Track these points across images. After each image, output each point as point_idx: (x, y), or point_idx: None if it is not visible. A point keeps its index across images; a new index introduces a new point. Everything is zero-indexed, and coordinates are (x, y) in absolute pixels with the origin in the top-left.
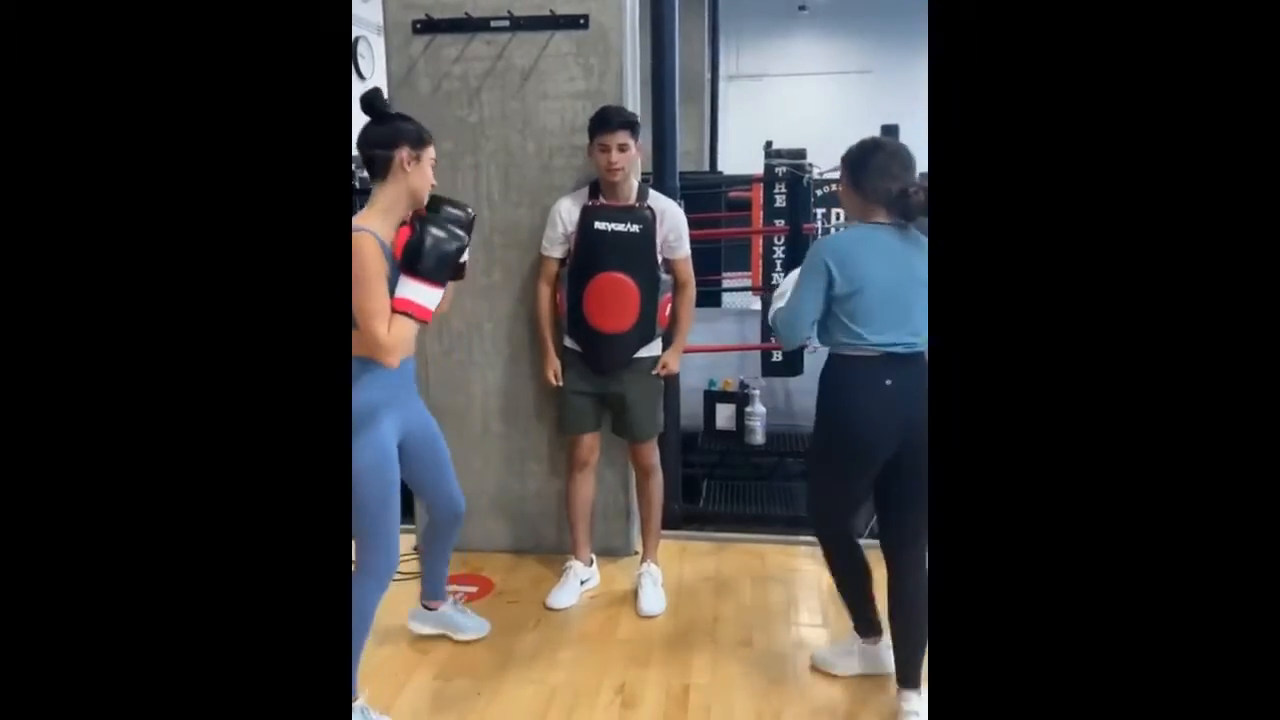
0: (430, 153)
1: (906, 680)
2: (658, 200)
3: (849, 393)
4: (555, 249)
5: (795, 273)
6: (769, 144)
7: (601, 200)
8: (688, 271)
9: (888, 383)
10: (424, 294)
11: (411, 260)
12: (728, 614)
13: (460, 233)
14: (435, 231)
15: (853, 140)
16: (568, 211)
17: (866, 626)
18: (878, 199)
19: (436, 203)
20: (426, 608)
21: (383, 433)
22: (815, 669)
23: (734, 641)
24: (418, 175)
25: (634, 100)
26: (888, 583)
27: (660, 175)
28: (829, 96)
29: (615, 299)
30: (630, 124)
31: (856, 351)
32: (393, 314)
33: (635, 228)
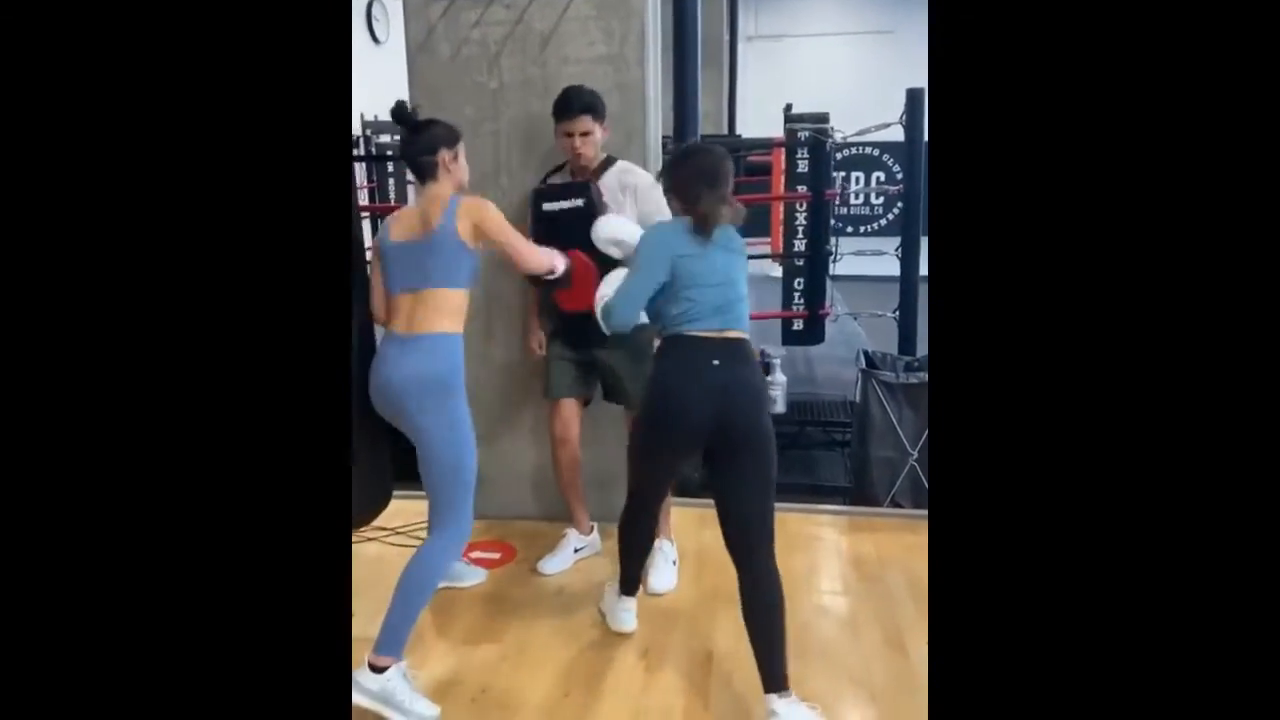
0: (462, 145)
1: (773, 684)
2: (627, 173)
3: (672, 368)
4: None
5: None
6: (789, 107)
7: (550, 180)
8: None
9: (714, 363)
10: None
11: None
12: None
13: None
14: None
15: (873, 102)
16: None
17: (631, 588)
18: (689, 206)
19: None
20: None
21: (465, 401)
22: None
23: None
24: (459, 170)
25: (655, 63)
26: (740, 589)
27: (682, 139)
28: (849, 58)
29: (575, 278)
30: (591, 107)
31: (684, 331)
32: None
33: (578, 202)
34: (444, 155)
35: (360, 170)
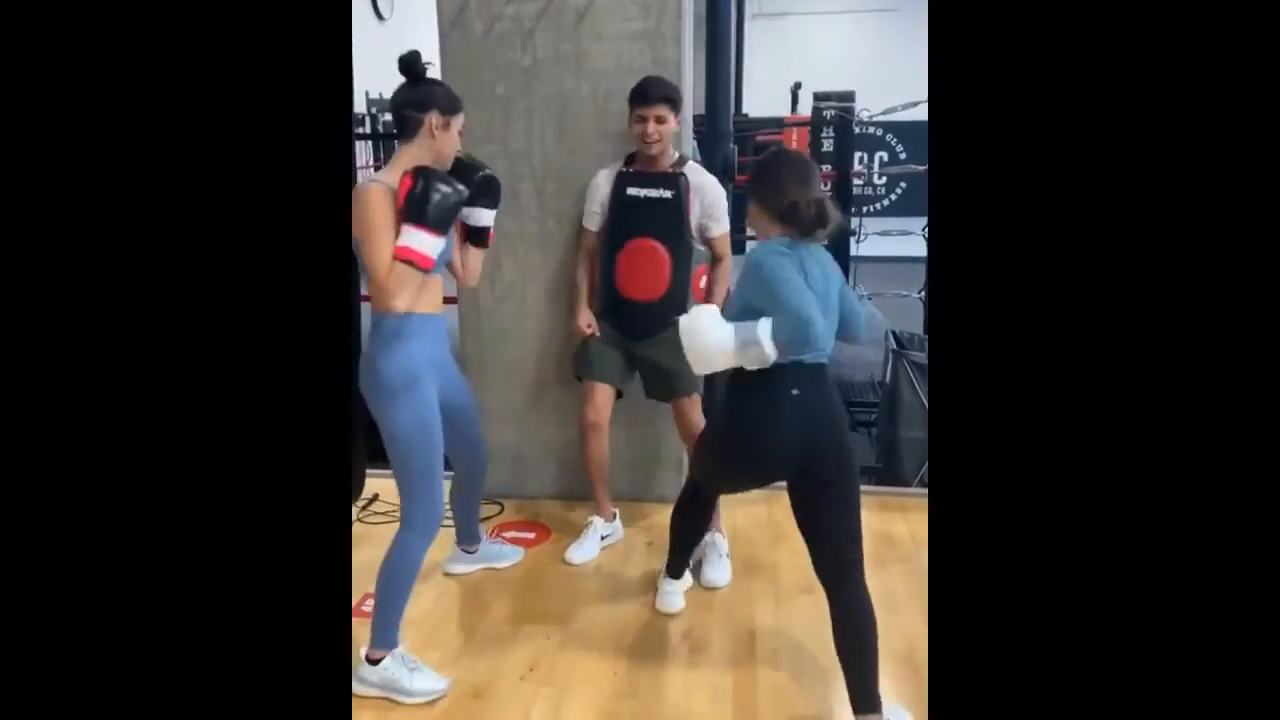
0: (460, 121)
1: (864, 705)
2: (696, 174)
3: (753, 402)
4: (595, 221)
5: (734, 326)
6: (797, 86)
7: (635, 168)
8: (725, 247)
9: (794, 392)
10: (424, 241)
11: (411, 209)
12: (785, 560)
13: (460, 187)
14: (436, 183)
15: (876, 81)
16: (604, 181)
17: (677, 572)
18: (776, 214)
19: (464, 165)
20: (466, 551)
21: (425, 391)
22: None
23: (795, 588)
24: (445, 141)
25: (689, 40)
26: (831, 613)
27: (714, 118)
28: (851, 36)
29: (646, 265)
30: (669, 98)
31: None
32: (393, 260)
33: (668, 193)
34: (433, 118)
35: (366, 149)
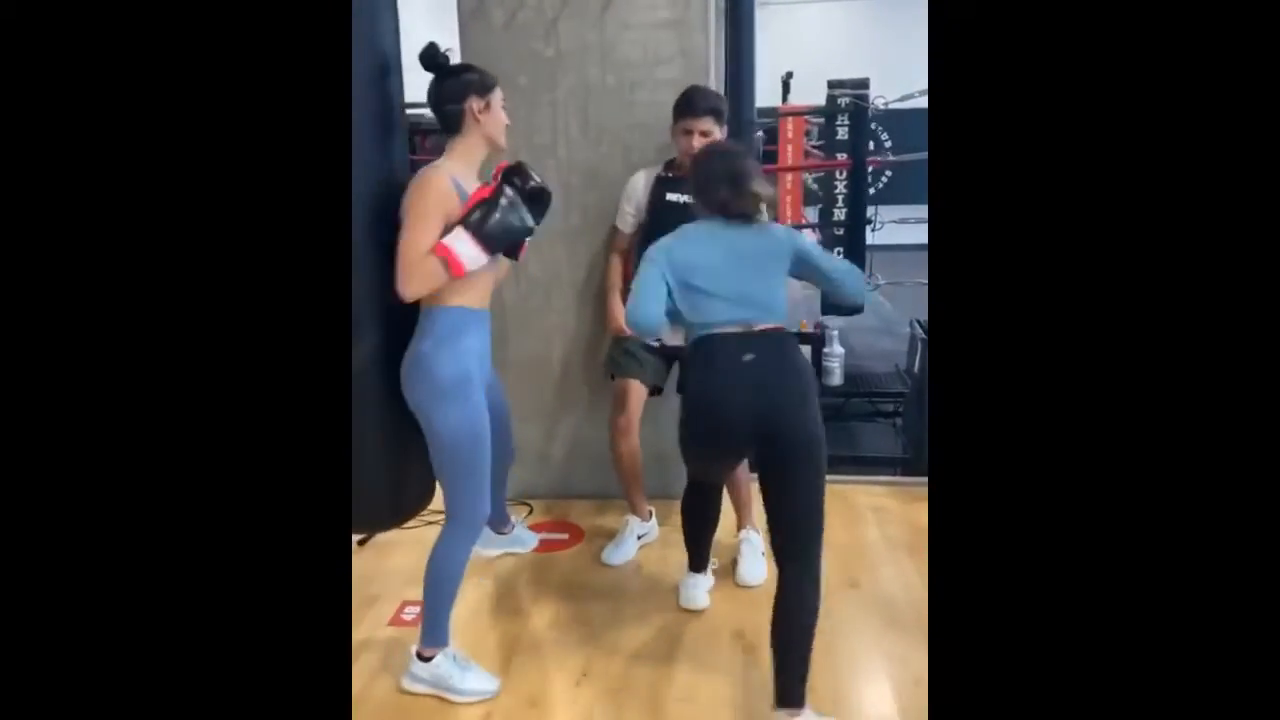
0: (498, 95)
1: (785, 699)
2: None
3: (709, 365)
4: (627, 222)
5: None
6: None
7: (674, 172)
8: None
9: (746, 357)
10: (469, 252)
11: (477, 217)
12: (826, 555)
13: (530, 221)
14: (512, 204)
15: (863, 69)
16: (643, 184)
17: (700, 565)
18: (706, 202)
19: (519, 171)
20: (499, 533)
21: (476, 390)
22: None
23: (840, 583)
24: (491, 121)
25: (715, 28)
26: (776, 593)
27: (737, 108)
28: (835, 23)
29: None
30: (715, 110)
31: (709, 330)
32: (429, 253)
33: None
34: (472, 103)
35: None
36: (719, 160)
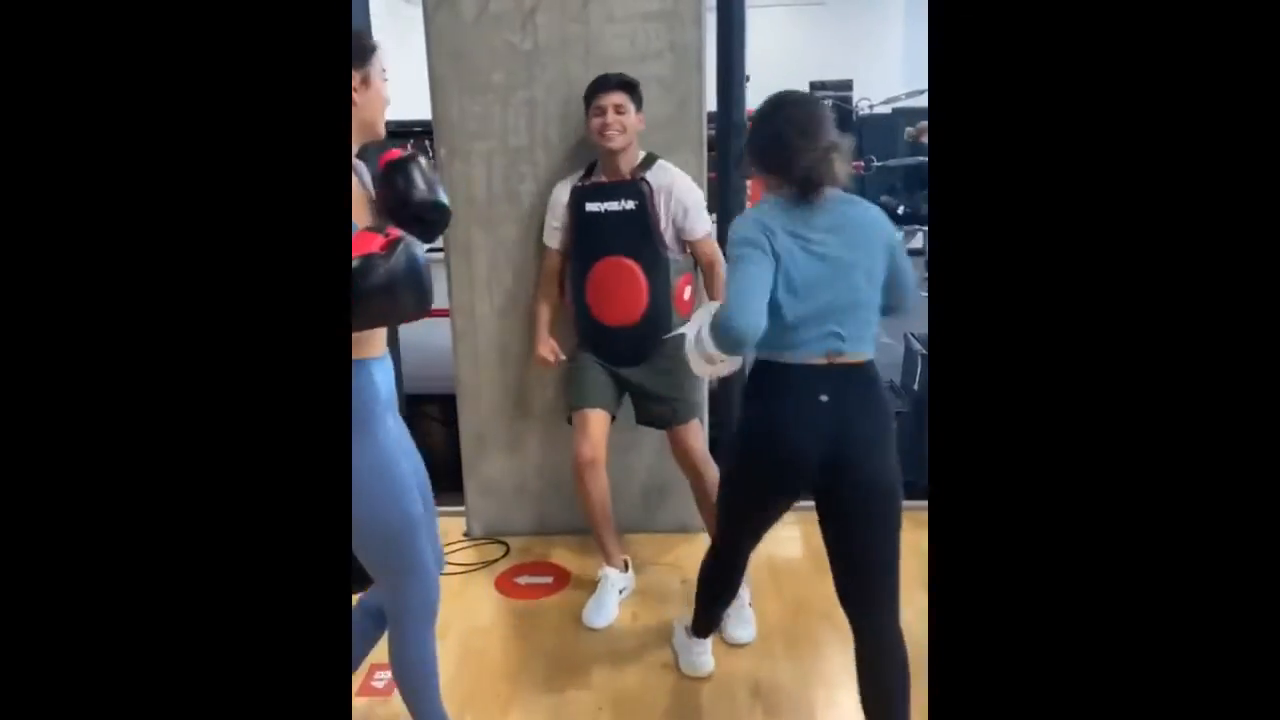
0: (379, 64)
1: None
2: (662, 173)
3: (772, 406)
4: (554, 239)
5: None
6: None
7: (593, 179)
8: (712, 250)
9: (823, 398)
10: None
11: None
12: (816, 583)
13: (423, 284)
14: (402, 260)
15: (811, 76)
16: (563, 195)
17: (706, 631)
18: (765, 169)
19: (405, 171)
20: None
21: (390, 436)
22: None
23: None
24: (368, 104)
25: (708, 20)
26: (855, 652)
27: (726, 109)
28: (780, 33)
29: (619, 287)
30: (629, 85)
31: (781, 359)
32: None
33: (630, 204)
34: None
35: None
36: (793, 109)
